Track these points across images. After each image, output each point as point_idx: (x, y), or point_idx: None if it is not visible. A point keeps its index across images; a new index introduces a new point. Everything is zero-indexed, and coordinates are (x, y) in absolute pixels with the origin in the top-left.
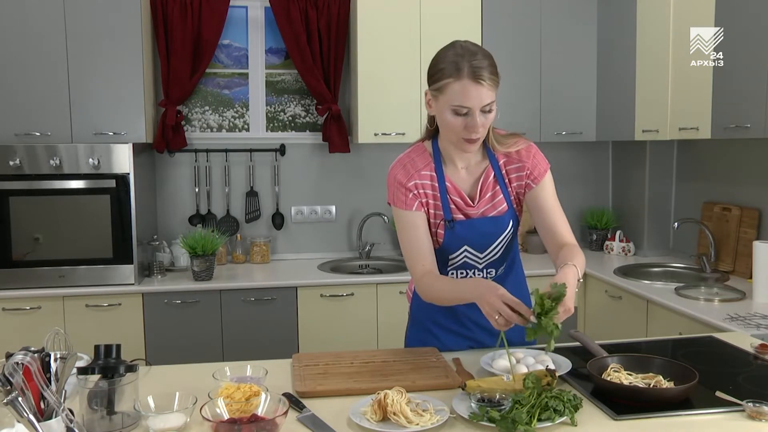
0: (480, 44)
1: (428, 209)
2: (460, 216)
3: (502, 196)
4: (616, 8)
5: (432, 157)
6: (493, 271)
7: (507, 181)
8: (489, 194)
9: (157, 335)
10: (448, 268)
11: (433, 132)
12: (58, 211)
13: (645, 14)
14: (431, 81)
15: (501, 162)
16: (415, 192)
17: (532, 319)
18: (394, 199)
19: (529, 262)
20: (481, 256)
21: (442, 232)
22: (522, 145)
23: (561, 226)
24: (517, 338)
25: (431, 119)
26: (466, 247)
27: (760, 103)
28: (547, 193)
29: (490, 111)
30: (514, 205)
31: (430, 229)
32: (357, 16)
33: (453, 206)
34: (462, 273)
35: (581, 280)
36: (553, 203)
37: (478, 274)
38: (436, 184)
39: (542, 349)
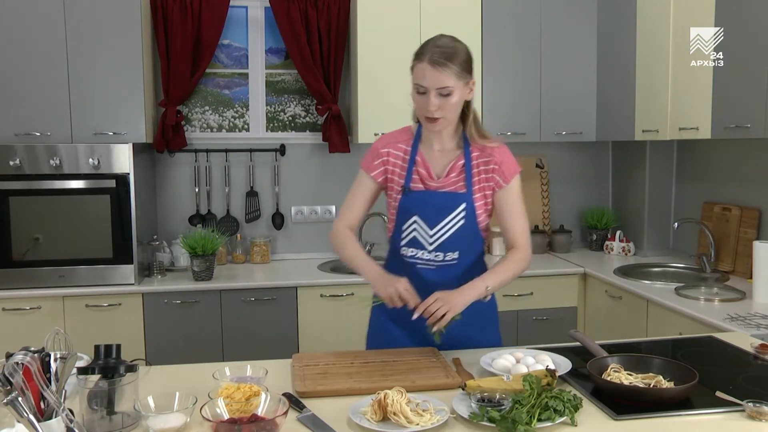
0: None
1: (394, 177)
2: (420, 186)
3: (464, 182)
4: (616, 8)
5: (413, 135)
6: (441, 255)
7: (474, 171)
8: (453, 176)
9: (157, 335)
10: (401, 243)
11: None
12: (58, 211)
13: (645, 14)
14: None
15: (474, 154)
16: (384, 159)
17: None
18: (364, 159)
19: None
20: (431, 233)
21: (400, 197)
22: (497, 144)
23: (518, 229)
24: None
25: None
26: (416, 217)
27: (760, 103)
28: (513, 195)
29: (448, 95)
30: (475, 195)
31: (392, 196)
32: (357, 16)
33: (416, 176)
34: (412, 251)
35: (489, 288)
36: (515, 206)
37: (426, 256)
38: (407, 157)
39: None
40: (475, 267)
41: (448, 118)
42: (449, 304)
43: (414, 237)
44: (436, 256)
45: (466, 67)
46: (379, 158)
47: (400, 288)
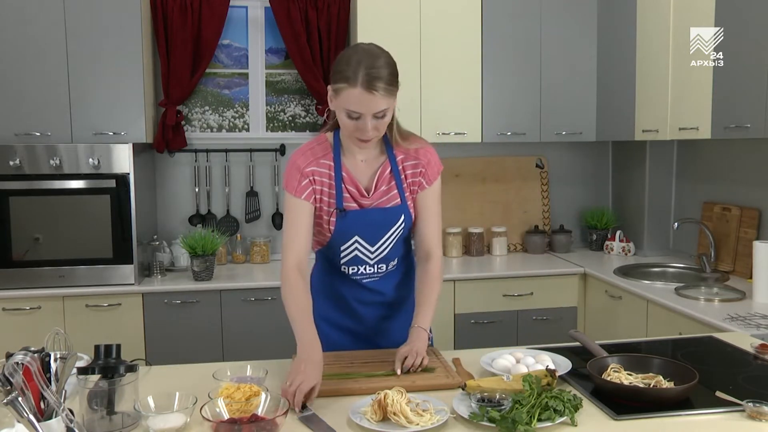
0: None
1: (322, 197)
2: (354, 205)
3: (396, 191)
4: (616, 8)
5: (332, 147)
6: (384, 266)
7: (403, 176)
8: (384, 187)
9: (157, 335)
10: (341, 262)
11: (335, 124)
12: (58, 211)
13: (645, 14)
14: (332, 81)
15: (399, 158)
16: (310, 179)
17: (297, 414)
18: (287, 182)
19: (530, 262)
20: (372, 249)
21: (335, 220)
22: (421, 145)
23: (433, 236)
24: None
25: (332, 113)
26: (357, 237)
27: (760, 103)
28: (432, 197)
29: (383, 117)
30: (408, 201)
31: (323, 217)
32: (357, 16)
33: (347, 195)
34: (353, 269)
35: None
36: (433, 210)
37: (369, 270)
38: (333, 173)
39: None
40: (410, 265)
41: (380, 135)
42: (420, 352)
43: (355, 255)
44: (379, 268)
45: (395, 81)
46: (305, 178)
47: (298, 382)
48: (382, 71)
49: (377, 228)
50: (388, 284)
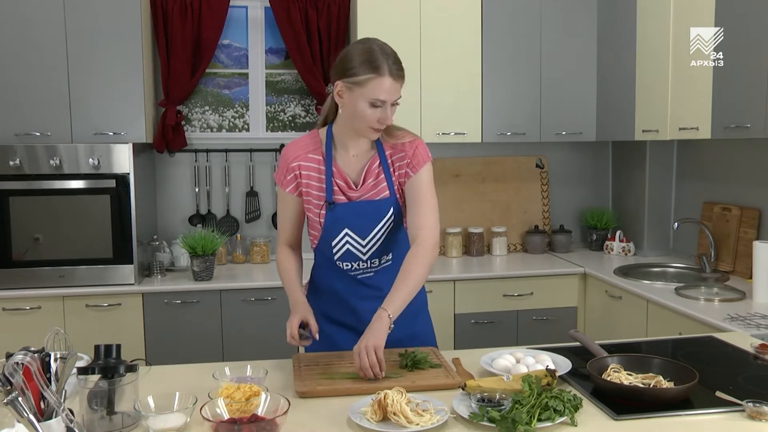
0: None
1: (311, 190)
2: (342, 198)
3: (385, 183)
4: (616, 8)
5: (323, 142)
6: (377, 261)
7: (392, 170)
8: (372, 181)
9: (157, 335)
10: (335, 258)
11: (325, 120)
12: (58, 211)
13: (645, 14)
14: (348, 74)
15: (388, 152)
16: (296, 173)
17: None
18: (276, 173)
19: (530, 262)
20: (363, 243)
21: (324, 212)
22: (409, 138)
23: (422, 221)
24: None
25: (334, 109)
26: (347, 230)
27: (760, 103)
28: (421, 182)
29: (396, 104)
30: (397, 194)
31: (313, 210)
32: (357, 16)
33: (336, 188)
34: (347, 264)
35: (391, 317)
36: (422, 197)
37: (363, 265)
38: (323, 168)
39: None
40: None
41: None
42: (373, 347)
43: (347, 250)
44: (372, 263)
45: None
46: (290, 173)
47: (293, 327)
48: (398, 62)
49: (366, 220)
50: (384, 279)
